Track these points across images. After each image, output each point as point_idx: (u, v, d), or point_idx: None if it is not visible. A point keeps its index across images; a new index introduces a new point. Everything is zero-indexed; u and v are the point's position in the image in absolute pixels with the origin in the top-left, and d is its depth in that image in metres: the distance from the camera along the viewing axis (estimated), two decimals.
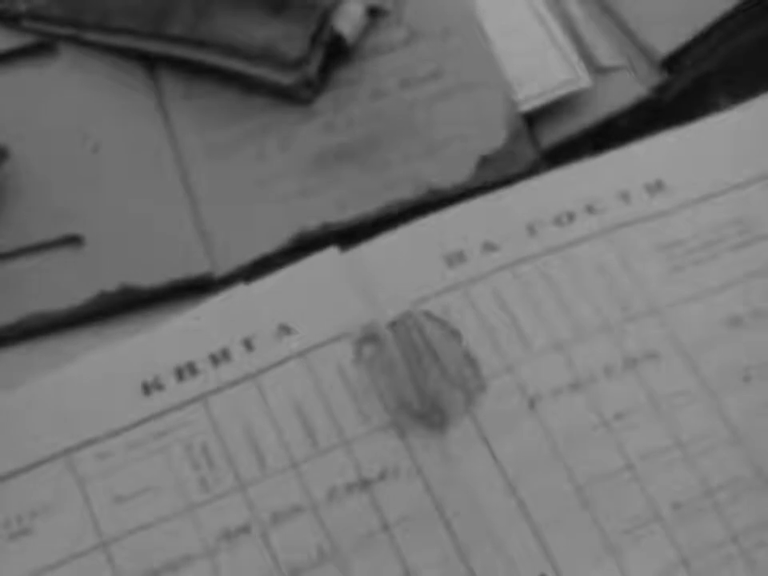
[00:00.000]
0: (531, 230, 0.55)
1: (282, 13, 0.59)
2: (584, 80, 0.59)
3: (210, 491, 0.50)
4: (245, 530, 0.50)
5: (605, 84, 0.59)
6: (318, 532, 0.49)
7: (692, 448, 0.50)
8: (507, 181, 0.57)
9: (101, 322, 0.56)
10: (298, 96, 0.59)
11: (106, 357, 0.53)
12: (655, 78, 0.59)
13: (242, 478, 0.50)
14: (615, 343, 0.52)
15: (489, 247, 0.55)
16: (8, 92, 0.61)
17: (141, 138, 0.59)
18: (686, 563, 0.49)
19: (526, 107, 0.58)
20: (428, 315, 0.53)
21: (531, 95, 0.59)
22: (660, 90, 0.60)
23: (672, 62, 0.60)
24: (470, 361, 0.52)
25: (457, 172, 0.57)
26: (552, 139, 0.59)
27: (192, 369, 0.52)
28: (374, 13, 0.61)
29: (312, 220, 0.57)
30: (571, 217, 0.55)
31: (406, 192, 0.57)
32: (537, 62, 0.59)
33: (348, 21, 0.60)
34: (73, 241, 0.57)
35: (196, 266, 0.56)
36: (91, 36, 0.61)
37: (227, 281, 0.56)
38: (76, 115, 0.60)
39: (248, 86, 0.60)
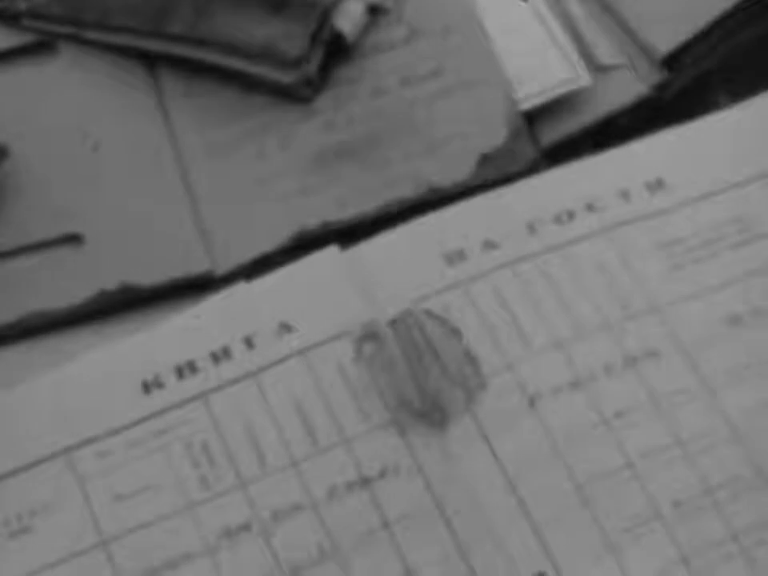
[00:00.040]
0: (531, 228, 0.55)
1: (282, 11, 0.59)
2: (584, 78, 0.59)
3: (210, 489, 0.50)
4: (245, 528, 0.50)
5: (605, 82, 0.59)
6: (318, 530, 0.49)
7: (692, 446, 0.50)
8: (507, 179, 0.57)
9: (101, 320, 0.56)
10: (298, 94, 0.59)
11: (107, 355, 0.53)
12: (655, 77, 0.59)
13: (243, 476, 0.50)
14: (615, 341, 0.52)
15: (489, 245, 0.55)
16: (8, 91, 0.61)
17: (141, 136, 0.59)
18: (686, 561, 0.49)
19: (527, 105, 0.58)
20: (428, 313, 0.53)
21: (531, 93, 0.59)
22: (660, 88, 0.60)
23: (672, 61, 0.60)
24: (471, 359, 0.52)
25: (457, 170, 0.57)
26: (552, 138, 0.59)
27: (192, 367, 0.52)
28: (374, 11, 0.61)
29: (312, 218, 0.57)
30: (571, 215, 0.55)
31: (406, 190, 0.57)
32: (537, 60, 0.59)
33: (348, 19, 0.60)
34: (73, 239, 0.57)
35: (196, 265, 0.56)
36: (91, 35, 0.61)
37: (227, 279, 0.56)
38: (76, 114, 0.60)
39: (248, 84, 0.60)
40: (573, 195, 0.56)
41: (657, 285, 0.54)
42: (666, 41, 0.60)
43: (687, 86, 0.61)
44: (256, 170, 0.58)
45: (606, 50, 0.60)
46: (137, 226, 0.57)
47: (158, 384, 0.52)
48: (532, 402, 0.51)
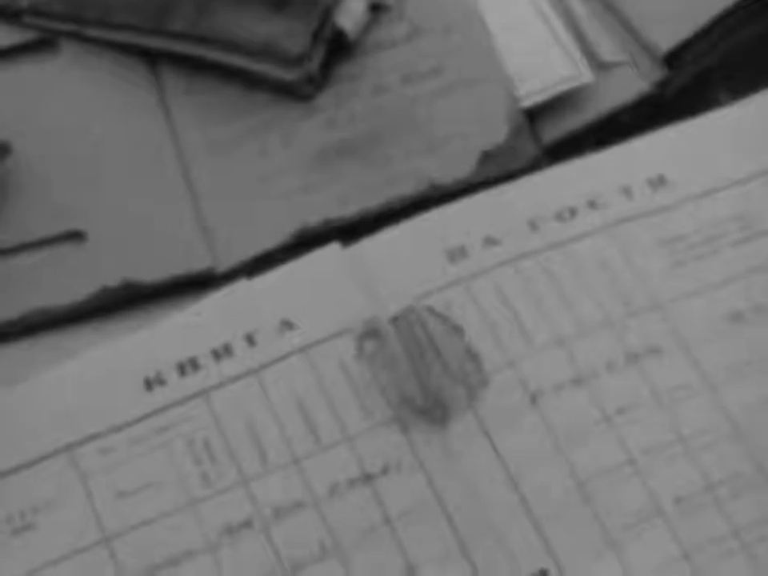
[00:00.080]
0: (533, 225, 0.55)
1: (284, 9, 0.59)
2: (586, 76, 0.59)
3: (211, 486, 0.50)
4: (247, 525, 0.50)
5: (606, 80, 0.59)
6: (320, 527, 0.49)
7: (693, 443, 0.50)
8: (509, 177, 0.57)
9: (103, 317, 0.56)
10: (300, 92, 0.59)
11: (109, 352, 0.53)
12: (657, 74, 0.60)
13: (244, 473, 0.50)
14: (617, 338, 0.52)
15: (490, 242, 0.55)
16: (9, 88, 0.61)
17: (142, 133, 0.59)
18: (688, 558, 0.49)
19: (528, 103, 0.59)
20: (430, 310, 0.53)
21: (533, 91, 0.59)
22: (661, 85, 0.60)
23: (673, 58, 0.60)
24: (472, 356, 0.52)
25: (458, 168, 0.57)
26: (554, 135, 0.59)
27: (194, 364, 0.52)
28: (375, 9, 0.61)
29: (314, 216, 0.57)
30: (573, 212, 0.55)
31: (408, 187, 0.57)
32: (538, 57, 0.59)
33: (349, 17, 0.60)
34: (75, 236, 0.57)
35: (198, 262, 0.56)
36: (92, 32, 0.61)
37: (229, 276, 0.56)
38: (77, 111, 0.60)
39: (249, 82, 0.60)
40: (574, 192, 0.56)
41: (658, 282, 0.54)
42: (667, 38, 0.60)
43: (688, 84, 0.61)
44: (258, 167, 0.58)
45: (607, 48, 0.60)
46: (138, 223, 0.57)
47: (160, 381, 0.52)
48: (534, 399, 0.51)
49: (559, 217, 0.55)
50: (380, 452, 0.51)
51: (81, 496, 0.50)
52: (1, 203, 0.58)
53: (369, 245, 0.55)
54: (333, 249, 0.55)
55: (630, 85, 0.59)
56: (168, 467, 0.51)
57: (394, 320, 0.53)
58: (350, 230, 0.56)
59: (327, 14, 0.59)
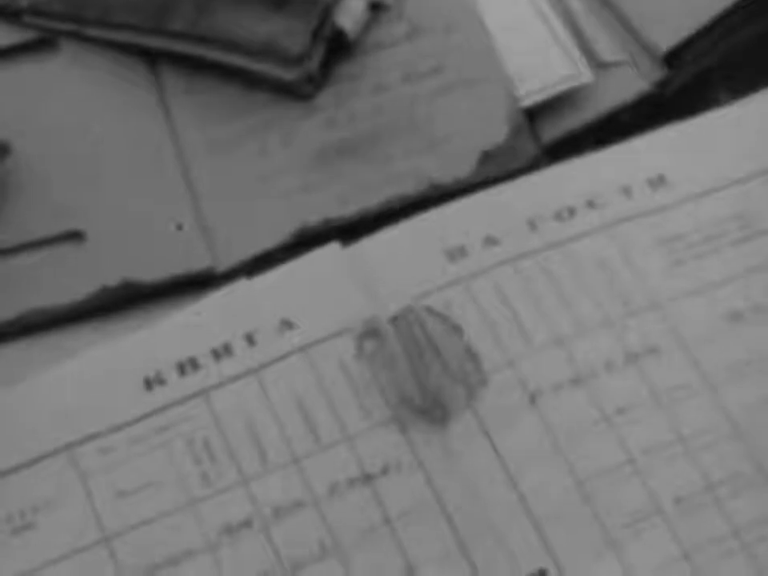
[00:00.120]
0: (532, 224, 0.55)
1: (284, 8, 0.59)
2: (585, 75, 0.59)
3: (211, 486, 0.50)
4: (246, 524, 0.50)
5: (606, 79, 0.59)
6: (319, 527, 0.49)
7: (693, 443, 0.50)
8: (508, 176, 0.57)
9: (102, 317, 0.56)
10: (300, 91, 0.59)
11: (108, 352, 0.53)
12: (656, 74, 0.60)
13: (244, 472, 0.50)
14: (616, 338, 0.52)
15: (490, 242, 0.55)
16: (9, 88, 0.61)
17: (142, 133, 0.59)
18: (688, 557, 0.49)
19: (528, 102, 0.59)
20: (429, 310, 0.53)
21: (533, 90, 0.59)
22: (661, 85, 0.60)
23: (673, 58, 0.60)
24: (472, 355, 0.52)
25: (458, 167, 0.57)
26: (553, 134, 0.59)
27: (194, 364, 0.52)
28: (375, 8, 0.61)
29: (313, 215, 0.57)
30: (572, 212, 0.55)
31: (408, 187, 0.57)
32: (538, 57, 0.59)
33: (349, 16, 0.60)
34: (74, 236, 0.57)
35: (197, 262, 0.56)
36: (92, 32, 0.61)
37: (229, 276, 0.56)
38: (77, 111, 0.60)
39: (249, 81, 0.60)
40: (574, 192, 0.56)
41: (658, 281, 0.54)
42: (667, 38, 0.60)
43: (688, 83, 0.61)
44: (257, 166, 0.58)
45: (607, 47, 0.60)
46: (138, 222, 0.57)
47: (160, 381, 0.52)
48: (533, 399, 0.51)
49: (558, 216, 0.55)
50: (380, 452, 0.51)
51: (81, 495, 0.50)
52: (0, 203, 0.58)
53: (368, 244, 0.55)
54: (332, 248, 0.55)
55: (629, 84, 0.59)
56: (168, 467, 0.51)
57: (394, 320, 0.53)
58: (350, 230, 0.56)
59: (327, 13, 0.59)
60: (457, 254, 0.54)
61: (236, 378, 0.52)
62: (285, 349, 0.53)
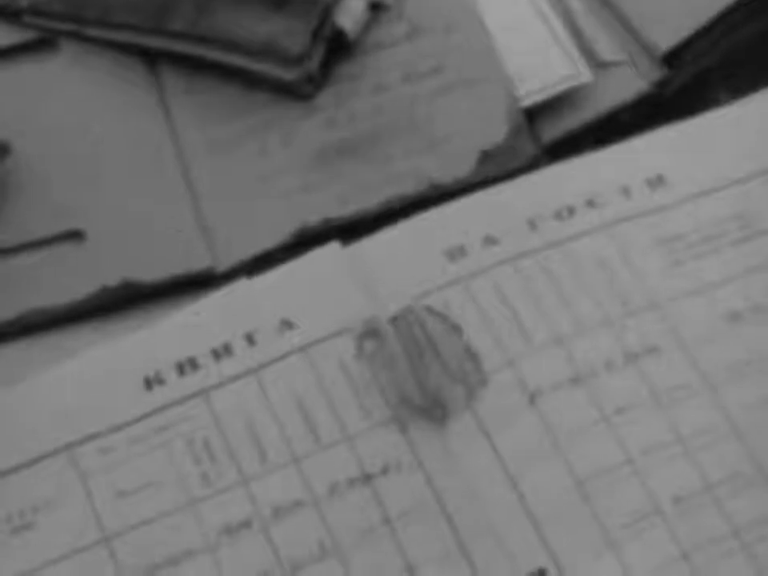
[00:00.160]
0: (532, 224, 0.55)
1: (284, 8, 0.59)
2: (585, 75, 0.59)
3: (211, 486, 0.50)
4: (246, 524, 0.50)
5: (606, 79, 0.59)
6: (319, 527, 0.49)
7: (692, 442, 0.50)
8: (508, 176, 0.57)
9: (102, 317, 0.56)
10: (300, 91, 0.59)
11: (108, 352, 0.53)
12: (656, 74, 0.60)
13: (244, 472, 0.50)
14: (616, 338, 0.52)
15: (489, 241, 0.55)
16: (9, 88, 0.61)
17: (142, 133, 0.59)
18: (687, 557, 0.49)
19: (527, 102, 0.59)
20: (429, 310, 0.53)
21: (532, 90, 0.59)
22: (661, 85, 0.60)
23: (672, 58, 0.60)
24: (471, 355, 0.52)
25: (458, 167, 0.57)
26: (553, 134, 0.59)
27: (193, 364, 0.52)
28: (375, 8, 0.61)
29: (313, 215, 0.57)
30: (572, 211, 0.55)
31: (407, 187, 0.57)
32: (538, 57, 0.59)
33: (349, 16, 0.60)
34: (74, 236, 0.57)
35: (197, 261, 0.56)
36: (92, 32, 0.61)
37: (229, 276, 0.56)
38: (77, 111, 0.60)
39: (249, 81, 0.60)
40: (573, 191, 0.56)
41: (657, 281, 0.54)
42: (666, 38, 0.60)
43: (688, 83, 0.61)
44: (257, 166, 0.58)
45: (606, 47, 0.60)
46: (138, 222, 0.57)
47: (159, 380, 0.52)
48: (532, 399, 0.51)
49: (558, 216, 0.55)
50: (379, 452, 0.51)
51: (80, 495, 0.50)
52: (0, 203, 0.58)
53: (368, 244, 0.55)
54: (332, 248, 0.55)
55: (629, 84, 0.59)
56: (168, 467, 0.51)
57: (394, 319, 0.53)
58: (350, 230, 0.56)
59: (327, 13, 0.59)
60: (456, 253, 0.54)
61: (236, 377, 0.52)
62: (285, 349, 0.53)
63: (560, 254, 0.54)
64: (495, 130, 0.58)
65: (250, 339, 0.53)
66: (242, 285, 0.54)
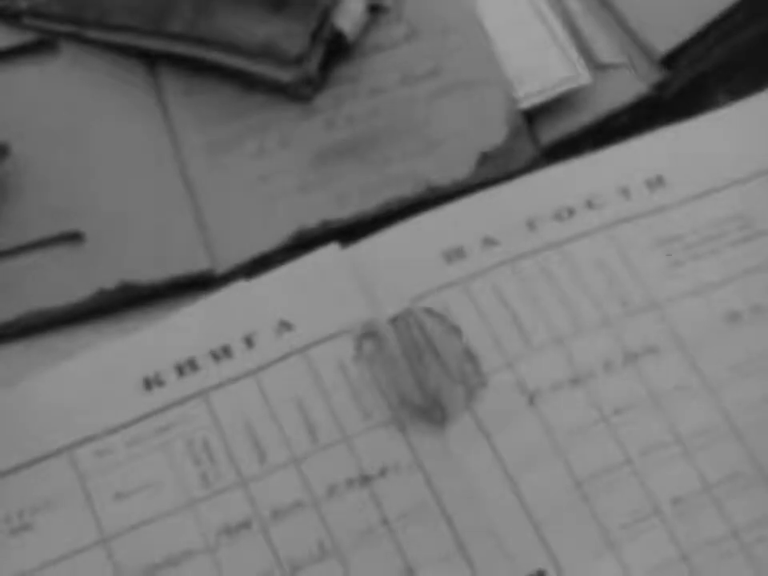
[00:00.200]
0: (531, 225, 0.55)
1: (283, 10, 0.59)
2: (584, 77, 0.59)
3: (210, 487, 0.50)
4: (245, 525, 0.50)
5: (605, 81, 0.59)
6: (318, 528, 0.49)
7: (691, 443, 0.50)
8: (507, 178, 0.57)
9: (100, 318, 0.56)
10: (298, 93, 0.60)
11: (107, 353, 0.53)
12: (655, 76, 0.60)
13: (243, 473, 0.50)
14: (615, 338, 0.52)
15: (488, 242, 0.55)
16: (8, 89, 0.61)
17: (141, 134, 0.59)
18: (686, 558, 0.49)
19: (526, 104, 0.59)
20: (428, 311, 0.53)
21: (531, 92, 0.59)
22: (660, 87, 0.60)
23: (671, 60, 0.60)
24: (470, 357, 0.52)
25: (456, 169, 0.57)
26: (552, 136, 0.59)
27: (193, 365, 0.52)
28: (374, 10, 0.61)
29: (312, 217, 0.57)
30: (571, 212, 0.55)
31: (406, 189, 0.57)
32: (537, 59, 0.59)
33: (348, 18, 0.60)
34: (73, 238, 0.57)
35: (196, 263, 0.56)
36: (92, 33, 0.61)
37: (227, 278, 0.56)
38: (76, 112, 0.60)
39: (248, 83, 0.60)
40: (572, 192, 0.56)
41: (656, 281, 0.54)
42: (665, 40, 0.60)
43: (686, 85, 0.61)
44: (256, 168, 0.58)
45: (605, 49, 0.60)
46: (137, 224, 0.57)
47: (159, 381, 0.52)
48: (532, 399, 0.51)
49: (557, 217, 0.55)
50: (379, 453, 0.51)
51: (79, 496, 0.50)
52: None
53: (367, 246, 0.55)
54: (331, 250, 0.55)
55: (627, 86, 0.59)
56: (167, 468, 0.51)
57: (393, 321, 0.53)
58: (348, 232, 0.56)
59: (326, 15, 0.59)
60: (455, 255, 0.54)
61: (235, 379, 0.52)
62: (284, 350, 0.53)
63: (559, 255, 0.54)
64: (494, 132, 0.58)
65: (249, 340, 0.53)
66: (240, 286, 0.54)
